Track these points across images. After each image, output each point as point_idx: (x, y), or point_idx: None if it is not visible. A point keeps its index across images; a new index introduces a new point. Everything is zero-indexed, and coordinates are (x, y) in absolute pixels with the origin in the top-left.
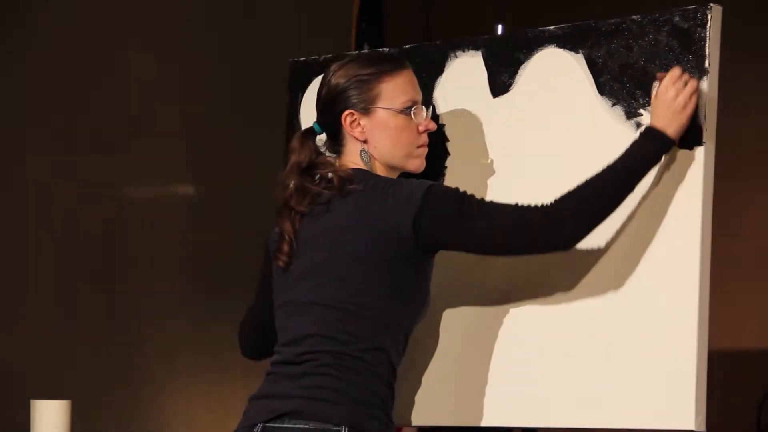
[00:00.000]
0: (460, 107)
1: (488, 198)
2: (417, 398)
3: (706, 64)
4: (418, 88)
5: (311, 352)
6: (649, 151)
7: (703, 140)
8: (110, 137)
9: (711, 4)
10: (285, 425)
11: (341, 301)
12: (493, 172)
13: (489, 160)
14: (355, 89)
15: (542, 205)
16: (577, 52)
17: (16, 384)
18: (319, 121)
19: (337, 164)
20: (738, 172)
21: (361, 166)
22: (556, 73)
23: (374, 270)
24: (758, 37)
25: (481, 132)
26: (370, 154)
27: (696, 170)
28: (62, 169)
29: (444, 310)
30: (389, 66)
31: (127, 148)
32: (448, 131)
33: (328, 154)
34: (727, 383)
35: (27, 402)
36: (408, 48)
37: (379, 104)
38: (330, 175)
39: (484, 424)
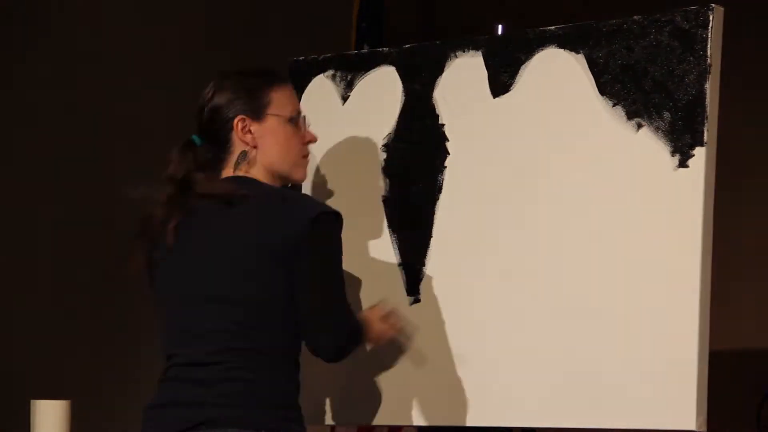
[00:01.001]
0: (460, 107)
1: (489, 199)
2: (417, 398)
3: (708, 65)
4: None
5: (217, 351)
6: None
7: (704, 141)
8: (110, 137)
9: (713, 5)
10: None
11: (245, 295)
12: (492, 172)
13: (488, 161)
14: (245, 96)
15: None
16: (577, 52)
17: (16, 384)
18: (202, 132)
19: (221, 175)
20: (738, 173)
21: (241, 171)
22: (557, 74)
23: (270, 265)
24: (759, 37)
25: (481, 132)
26: (256, 159)
27: (697, 170)
28: (62, 169)
29: (443, 309)
30: (275, 77)
31: (127, 148)
32: (448, 131)
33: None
34: (727, 383)
35: (27, 402)
36: (408, 48)
37: (270, 111)
38: (211, 188)
39: (484, 424)
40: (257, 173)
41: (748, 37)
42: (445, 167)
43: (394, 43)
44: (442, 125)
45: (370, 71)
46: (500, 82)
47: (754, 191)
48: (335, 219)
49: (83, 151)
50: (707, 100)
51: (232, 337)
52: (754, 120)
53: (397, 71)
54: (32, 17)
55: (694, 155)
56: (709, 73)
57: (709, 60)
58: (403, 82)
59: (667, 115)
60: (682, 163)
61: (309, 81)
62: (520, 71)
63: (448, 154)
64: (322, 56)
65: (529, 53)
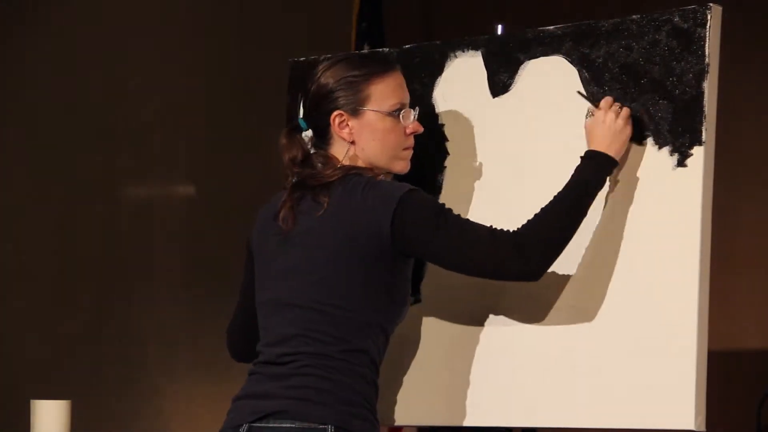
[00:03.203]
0: (459, 107)
1: (489, 199)
2: (417, 398)
3: (706, 64)
4: (406, 90)
5: (292, 353)
6: (597, 174)
7: (703, 140)
8: (110, 137)
9: (711, 4)
10: (271, 425)
11: (320, 302)
12: (492, 172)
13: (488, 160)
14: (344, 90)
15: (513, 235)
16: (576, 52)
17: (16, 384)
18: (305, 118)
19: (329, 157)
20: (738, 172)
21: (346, 164)
22: (556, 73)
23: (353, 270)
24: (758, 37)
25: (481, 132)
26: (356, 154)
27: (696, 170)
28: (62, 169)
29: (444, 309)
30: (379, 68)
31: (127, 148)
32: (448, 131)
33: (313, 151)
34: (727, 383)
35: (27, 402)
36: (408, 48)
37: (368, 106)
38: (327, 169)
39: (483, 424)
40: (359, 166)
41: (746, 36)
42: (445, 167)
43: (394, 43)
44: (442, 125)
45: None
46: (500, 82)
47: (753, 191)
48: (415, 192)
49: (84, 151)
50: (705, 100)
51: (307, 340)
52: (753, 119)
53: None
54: (33, 17)
55: (692, 154)
56: (708, 72)
57: (707, 59)
58: None
59: (665, 114)
60: (681, 163)
61: None
62: (519, 71)
63: (448, 154)
64: (322, 56)
65: (528, 53)
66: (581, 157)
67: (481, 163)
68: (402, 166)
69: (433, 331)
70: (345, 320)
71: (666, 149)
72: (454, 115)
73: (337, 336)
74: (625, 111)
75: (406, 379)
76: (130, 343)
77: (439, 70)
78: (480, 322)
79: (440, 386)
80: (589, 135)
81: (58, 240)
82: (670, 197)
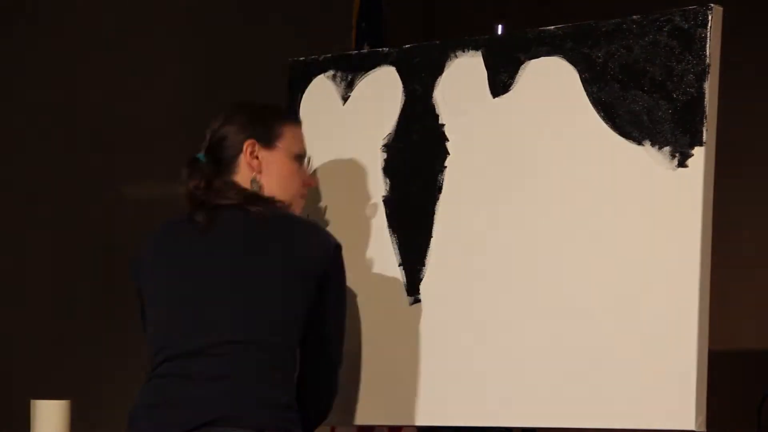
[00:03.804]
0: (459, 107)
1: (489, 199)
2: (417, 398)
3: (707, 65)
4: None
5: (221, 343)
6: None
7: (704, 141)
8: (110, 137)
9: (711, 5)
10: None
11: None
12: (492, 172)
13: (488, 161)
14: (260, 123)
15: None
16: (577, 52)
17: (16, 384)
18: (209, 152)
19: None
20: (738, 173)
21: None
22: (556, 73)
23: (278, 286)
24: (758, 37)
25: (481, 132)
26: (261, 184)
27: (696, 170)
28: (62, 169)
29: (443, 309)
30: (289, 115)
31: (127, 148)
32: (448, 131)
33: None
34: (727, 383)
35: (27, 402)
36: (408, 48)
37: (280, 143)
38: (231, 192)
39: (483, 424)
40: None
41: (747, 37)
42: (445, 167)
43: (394, 43)
44: (442, 125)
45: (371, 71)
46: (500, 82)
47: (753, 191)
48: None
49: (83, 151)
50: (706, 100)
51: (237, 329)
52: (753, 120)
53: (397, 71)
54: (33, 17)
55: (693, 155)
56: (708, 72)
57: (708, 60)
58: (403, 82)
59: (666, 114)
60: (681, 163)
61: (309, 81)
62: (519, 71)
63: (448, 154)
64: (322, 56)
65: (528, 53)
66: None
67: (481, 164)
68: (298, 210)
69: (433, 331)
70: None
71: (666, 150)
72: (454, 115)
73: (268, 329)
74: None
75: (406, 379)
76: (130, 343)
77: (439, 70)
78: (480, 322)
79: (439, 386)
80: None
81: (57, 240)
82: (670, 198)
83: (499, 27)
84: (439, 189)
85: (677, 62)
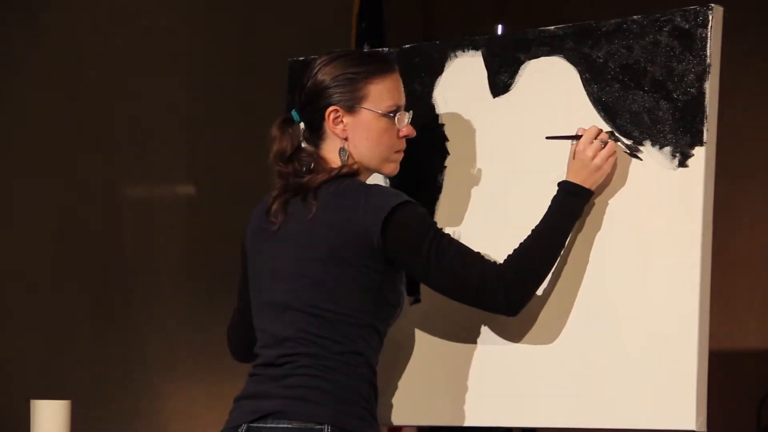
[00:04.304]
0: (460, 107)
1: (489, 199)
2: (417, 398)
3: (707, 65)
4: (403, 92)
5: (290, 354)
6: (573, 208)
7: (704, 140)
8: (110, 137)
9: (712, 5)
10: (269, 425)
11: (314, 306)
12: (492, 172)
13: (488, 161)
14: (341, 87)
15: (498, 269)
16: (577, 52)
17: (16, 384)
18: (299, 111)
19: (318, 156)
20: (738, 173)
21: (338, 162)
22: (557, 73)
23: (345, 274)
24: (759, 37)
25: (481, 132)
26: (349, 152)
27: (697, 170)
28: (62, 168)
29: (443, 309)
30: (378, 67)
31: (127, 148)
32: (448, 131)
33: (305, 145)
34: (727, 383)
35: (27, 402)
36: (408, 48)
37: (364, 105)
38: (313, 165)
39: (483, 424)
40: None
41: (747, 37)
42: (445, 167)
43: (394, 43)
44: (442, 125)
45: None
46: (500, 82)
47: (753, 191)
48: (408, 205)
49: (84, 151)
50: (707, 100)
51: (303, 342)
52: (753, 120)
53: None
54: (33, 17)
55: (693, 155)
56: (709, 72)
57: (708, 60)
58: (403, 82)
59: (666, 114)
60: (682, 163)
61: None
62: (520, 71)
63: (448, 154)
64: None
65: (529, 53)
66: (558, 185)
67: (481, 164)
68: (391, 169)
69: (433, 331)
70: (339, 322)
71: (667, 149)
72: (455, 115)
73: (332, 338)
74: (607, 149)
75: (405, 379)
76: (130, 342)
77: (439, 70)
78: (480, 322)
79: (440, 386)
80: (570, 162)
81: (58, 240)
82: (671, 197)
83: (499, 27)
84: (439, 189)
85: (678, 62)
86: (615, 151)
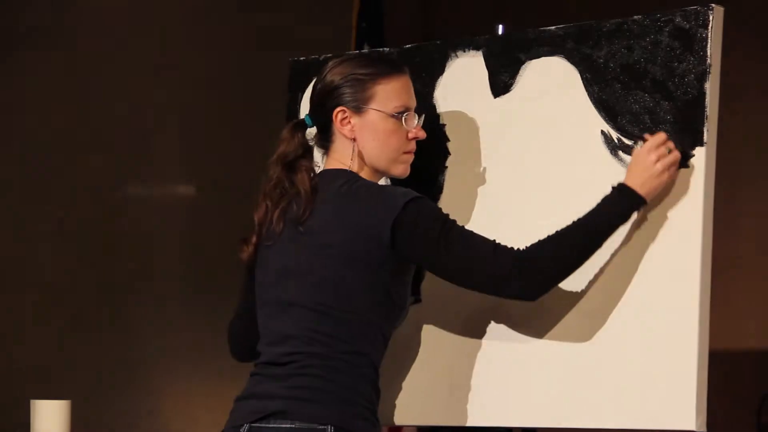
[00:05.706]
0: (460, 107)
1: (489, 199)
2: (417, 398)
3: (708, 65)
4: (412, 94)
5: (293, 353)
6: (623, 209)
7: (704, 140)
8: (110, 137)
9: (712, 5)
10: (271, 425)
11: (322, 303)
12: (493, 172)
13: (489, 161)
14: (349, 87)
15: (517, 254)
16: (577, 52)
17: (16, 384)
18: (310, 114)
19: (323, 162)
20: (738, 173)
21: (347, 164)
22: (557, 73)
23: (353, 273)
24: (759, 37)
25: (482, 132)
26: (360, 153)
27: (697, 170)
28: (62, 169)
29: (444, 309)
30: (387, 68)
31: (127, 148)
32: (449, 131)
33: (316, 148)
34: (727, 383)
35: (27, 402)
36: (408, 48)
37: (372, 105)
38: (312, 174)
39: (483, 424)
40: (359, 167)
41: (747, 37)
42: (446, 167)
43: (394, 43)
44: (443, 125)
45: None
46: (500, 82)
47: (754, 191)
48: (420, 200)
49: (84, 151)
50: (707, 100)
51: (307, 341)
52: (754, 120)
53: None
54: (33, 17)
55: (694, 155)
56: (709, 72)
57: (709, 60)
58: None
59: (667, 115)
60: (682, 163)
61: (309, 81)
62: (520, 71)
63: (449, 154)
64: (322, 56)
65: (529, 53)
66: (612, 186)
67: (482, 164)
68: (401, 170)
69: (433, 331)
70: (346, 321)
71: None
72: (455, 115)
73: (338, 336)
74: (671, 158)
75: (406, 379)
76: (130, 343)
77: (439, 70)
78: (480, 322)
79: (440, 386)
80: (630, 165)
81: (58, 240)
82: (671, 197)
83: (500, 27)
84: (439, 189)
85: (678, 62)
86: (678, 162)
